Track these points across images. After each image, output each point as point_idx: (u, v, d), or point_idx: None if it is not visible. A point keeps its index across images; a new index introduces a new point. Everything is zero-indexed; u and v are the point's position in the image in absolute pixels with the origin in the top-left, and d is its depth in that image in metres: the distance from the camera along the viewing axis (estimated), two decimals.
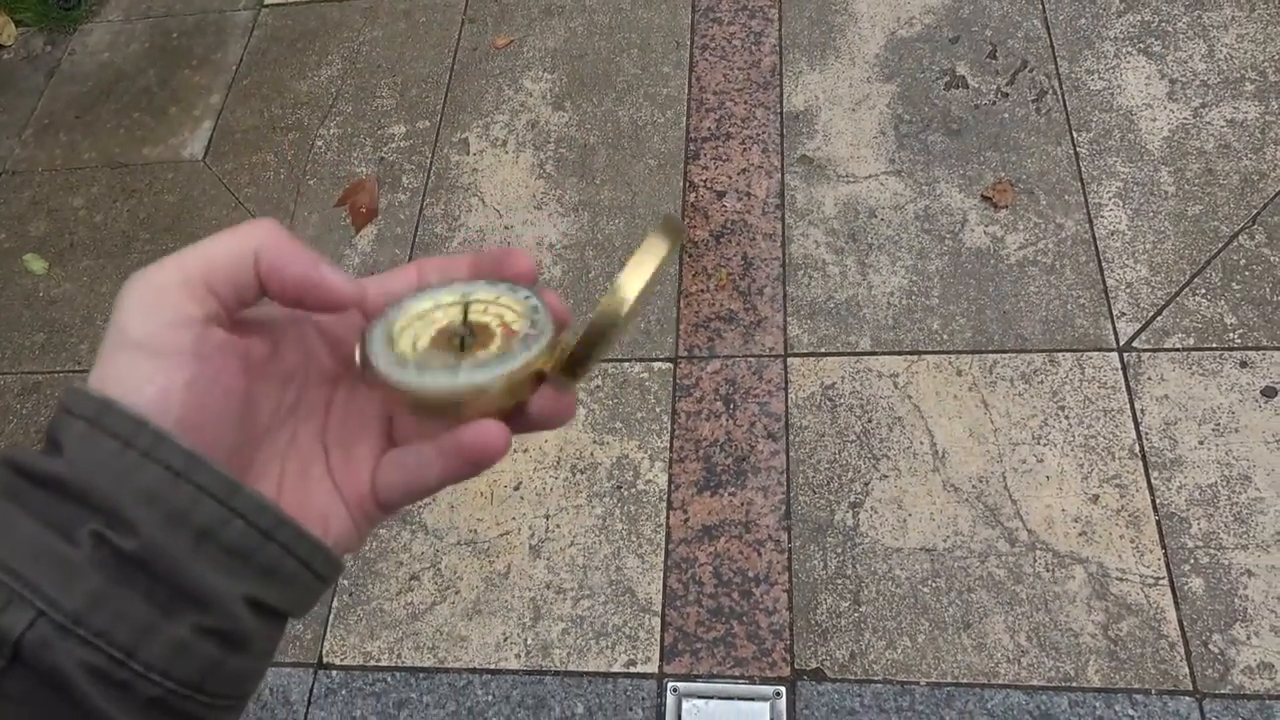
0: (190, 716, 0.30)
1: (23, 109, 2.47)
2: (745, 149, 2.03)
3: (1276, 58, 1.93)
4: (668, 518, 1.63)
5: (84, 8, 2.65)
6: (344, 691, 1.55)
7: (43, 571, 0.28)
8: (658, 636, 1.53)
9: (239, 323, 0.34)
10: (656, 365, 1.79)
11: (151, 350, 0.31)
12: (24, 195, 2.30)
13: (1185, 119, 1.89)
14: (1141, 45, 2.01)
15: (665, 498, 1.65)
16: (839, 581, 1.53)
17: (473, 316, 0.36)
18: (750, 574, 1.56)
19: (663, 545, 1.60)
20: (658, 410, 1.74)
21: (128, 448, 0.29)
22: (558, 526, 1.65)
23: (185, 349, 0.31)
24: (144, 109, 2.41)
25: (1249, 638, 1.40)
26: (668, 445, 1.70)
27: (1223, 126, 1.87)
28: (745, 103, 2.10)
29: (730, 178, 2.00)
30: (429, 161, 2.16)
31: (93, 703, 0.28)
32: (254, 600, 0.31)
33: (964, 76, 2.04)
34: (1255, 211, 1.76)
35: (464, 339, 0.35)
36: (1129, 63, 1.99)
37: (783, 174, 1.98)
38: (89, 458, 0.29)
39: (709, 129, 2.08)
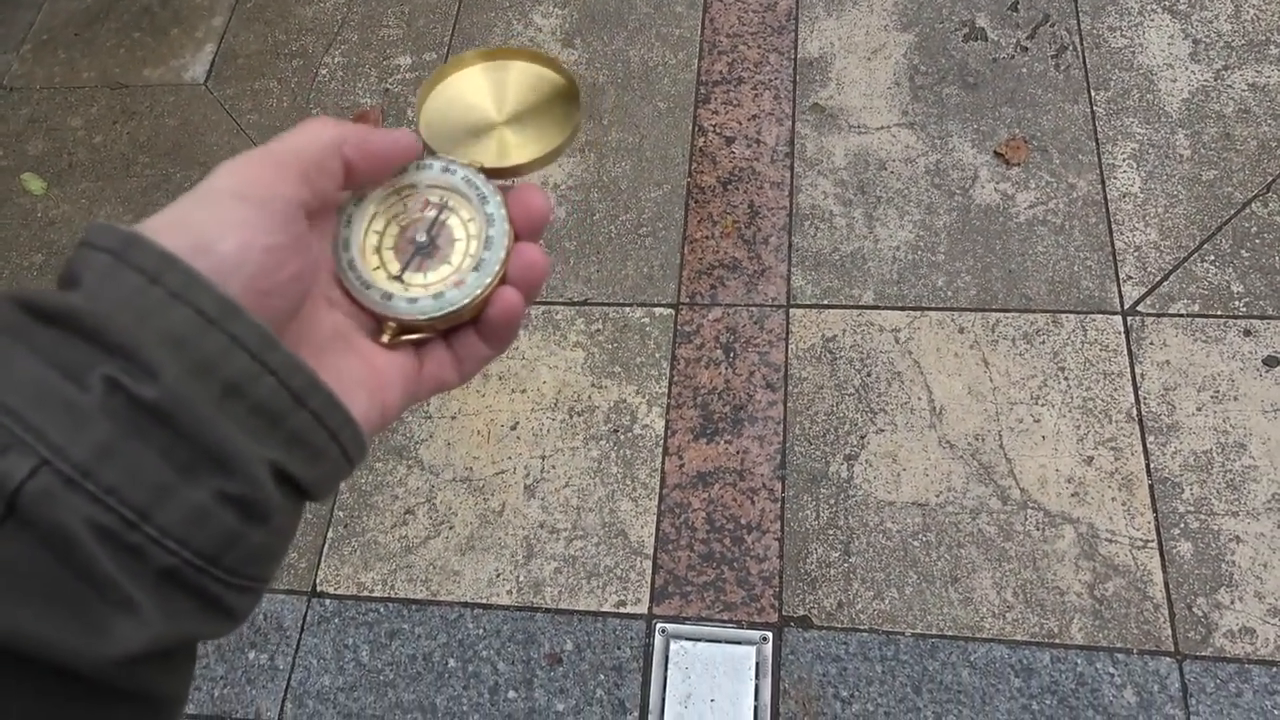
0: (205, 594, 0.27)
1: (20, 23, 2.42)
2: (757, 95, 1.99)
3: None
4: (663, 463, 1.63)
5: None
6: (337, 620, 1.57)
7: (46, 415, 0.24)
8: (648, 579, 1.54)
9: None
10: (657, 310, 1.78)
11: (245, 199, 0.29)
12: (22, 113, 2.26)
13: (1206, 81, 1.86)
14: (1166, 3, 1.96)
15: (661, 443, 1.65)
16: (830, 532, 1.54)
17: (427, 213, 0.38)
18: (743, 521, 1.57)
19: (657, 490, 1.61)
20: (657, 356, 1.73)
21: (153, 284, 0.26)
22: (553, 467, 1.65)
23: (278, 212, 0.30)
24: (145, 29, 2.36)
25: (1233, 602, 1.42)
26: (666, 391, 1.70)
27: (1244, 90, 1.83)
28: (759, 47, 2.06)
29: (740, 124, 1.96)
30: None
31: (100, 567, 0.24)
32: (278, 468, 0.28)
33: (984, 29, 1.99)
34: (1270, 179, 1.74)
35: (424, 246, 0.37)
36: (1153, 20, 1.94)
37: (794, 122, 1.95)
38: (109, 293, 0.26)
39: (720, 73, 2.04)
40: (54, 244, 2.06)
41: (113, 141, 2.18)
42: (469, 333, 0.38)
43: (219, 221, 0.28)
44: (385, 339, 0.36)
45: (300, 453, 0.29)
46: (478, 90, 0.41)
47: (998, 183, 1.81)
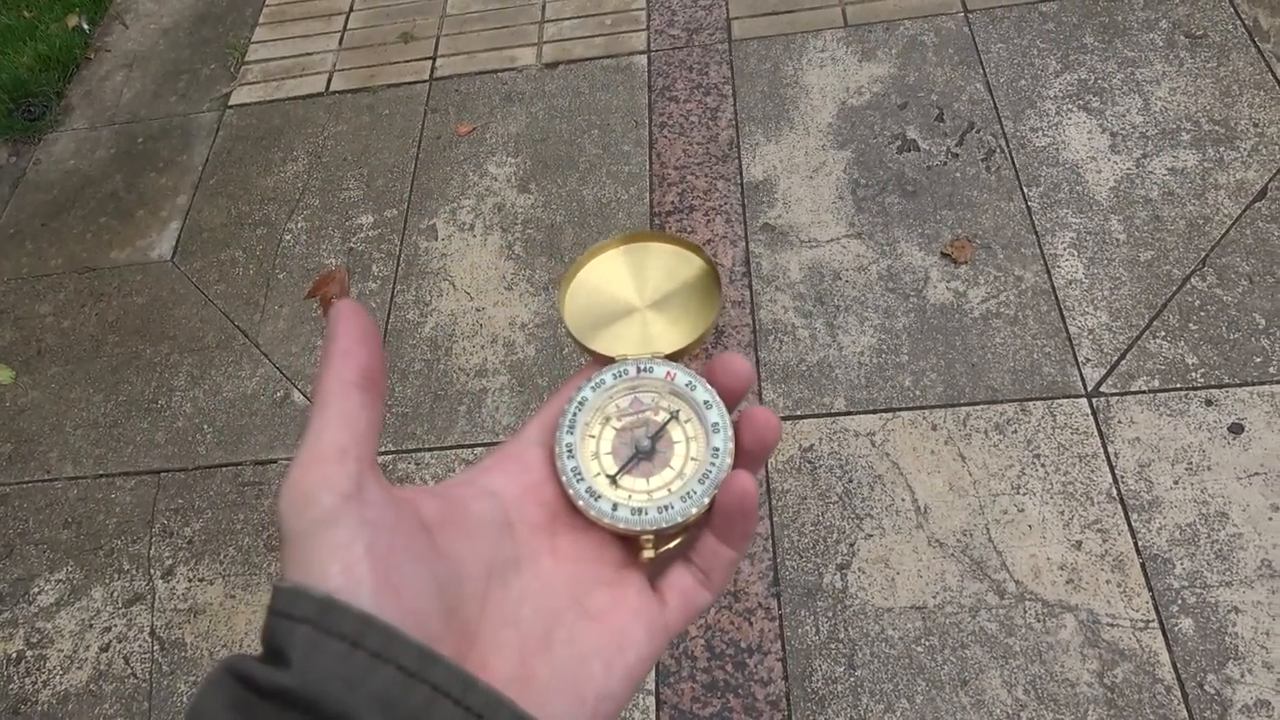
0: None
1: None
2: (709, 220, 2.08)
3: (1207, 108, 2.02)
4: None
5: (49, 118, 2.68)
6: None
7: None
8: (653, 715, 1.50)
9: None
10: None
11: (316, 531, 0.29)
12: None
13: (1129, 169, 1.97)
14: (1081, 102, 2.09)
15: None
16: (832, 646, 1.52)
17: (657, 415, 0.37)
18: (743, 644, 1.54)
19: None
20: None
21: (355, 649, 0.27)
22: None
23: (348, 517, 0.29)
24: (111, 213, 2.42)
25: (1243, 675, 1.40)
26: None
27: (1165, 175, 1.94)
28: (706, 175, 2.15)
29: None
30: (398, 249, 2.18)
31: None
32: None
33: (915, 140, 2.11)
34: (1204, 254, 1.82)
35: (643, 450, 0.36)
36: (1070, 119, 2.07)
37: (747, 242, 2.02)
38: (317, 665, 0.27)
39: (672, 203, 2.12)
40: (23, 432, 2.05)
41: (82, 324, 2.20)
42: (705, 538, 0.36)
43: (313, 563, 0.28)
44: (649, 554, 0.34)
45: None
46: (618, 275, 0.41)
47: (949, 281, 1.88)
